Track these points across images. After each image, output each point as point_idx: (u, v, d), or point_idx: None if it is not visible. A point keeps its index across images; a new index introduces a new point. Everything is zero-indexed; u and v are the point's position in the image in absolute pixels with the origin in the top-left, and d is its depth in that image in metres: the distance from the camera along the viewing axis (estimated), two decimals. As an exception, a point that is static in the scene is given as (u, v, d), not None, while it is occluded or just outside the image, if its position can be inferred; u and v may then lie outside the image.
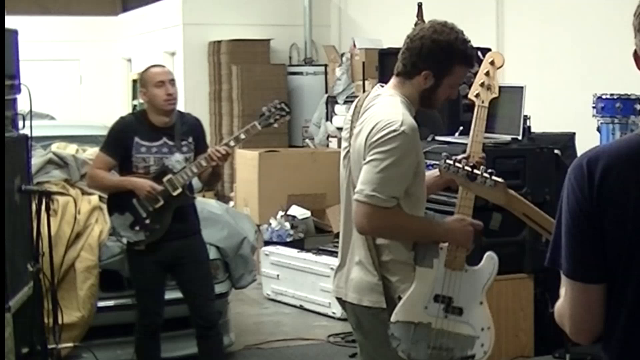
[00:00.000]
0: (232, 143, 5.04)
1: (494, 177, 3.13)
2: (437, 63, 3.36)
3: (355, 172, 3.38)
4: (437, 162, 4.75)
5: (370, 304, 3.37)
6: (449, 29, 3.38)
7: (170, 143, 5.12)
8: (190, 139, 5.18)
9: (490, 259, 3.43)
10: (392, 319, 3.31)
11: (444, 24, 3.40)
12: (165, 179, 5.05)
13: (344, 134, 3.55)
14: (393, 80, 3.48)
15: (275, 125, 5.15)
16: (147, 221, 5.07)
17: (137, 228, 5.09)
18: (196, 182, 5.40)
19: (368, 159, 3.28)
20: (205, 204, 6.34)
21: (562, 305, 2.09)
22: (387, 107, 3.36)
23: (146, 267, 5.16)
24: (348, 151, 3.46)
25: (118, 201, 5.14)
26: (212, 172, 5.13)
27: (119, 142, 5.13)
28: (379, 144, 3.26)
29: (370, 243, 3.37)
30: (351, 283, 3.43)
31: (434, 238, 3.37)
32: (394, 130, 3.24)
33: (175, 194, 5.04)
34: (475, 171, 3.16)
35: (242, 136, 5.06)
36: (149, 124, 5.14)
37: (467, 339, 3.37)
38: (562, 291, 2.09)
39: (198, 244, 5.26)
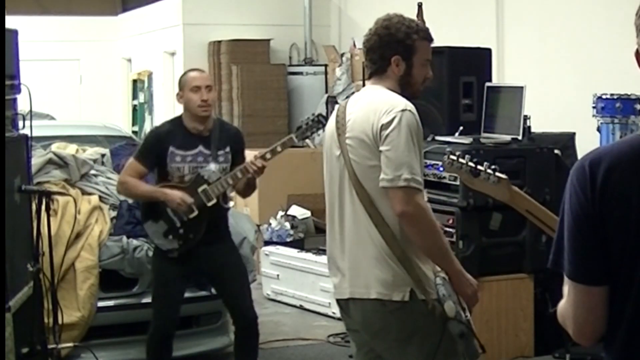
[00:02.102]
0: (268, 156, 4.96)
1: (497, 173, 3.12)
2: (400, 43, 3.46)
3: (361, 161, 3.37)
4: (437, 162, 4.75)
5: (399, 298, 3.35)
6: (395, 15, 3.51)
7: (206, 152, 5.05)
8: (228, 149, 5.11)
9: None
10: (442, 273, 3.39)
11: (388, 14, 3.53)
12: (200, 190, 4.99)
13: (329, 143, 3.53)
14: (370, 82, 3.56)
15: (312, 137, 5.16)
16: (181, 230, 5.02)
17: (170, 237, 5.04)
18: None
19: (387, 145, 3.31)
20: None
21: (564, 307, 2.09)
22: (381, 95, 3.43)
23: (170, 276, 5.13)
24: (340, 155, 3.44)
25: (152, 209, 5.09)
26: (247, 182, 5.08)
27: (152, 152, 5.08)
28: (393, 128, 3.30)
29: (391, 235, 3.35)
30: (375, 282, 3.38)
31: (450, 263, 3.42)
32: (402, 110, 3.33)
33: (209, 204, 4.99)
34: (479, 167, 3.14)
35: (279, 149, 4.97)
36: (184, 130, 5.08)
37: None
38: (565, 291, 2.08)
39: (230, 249, 5.24)
